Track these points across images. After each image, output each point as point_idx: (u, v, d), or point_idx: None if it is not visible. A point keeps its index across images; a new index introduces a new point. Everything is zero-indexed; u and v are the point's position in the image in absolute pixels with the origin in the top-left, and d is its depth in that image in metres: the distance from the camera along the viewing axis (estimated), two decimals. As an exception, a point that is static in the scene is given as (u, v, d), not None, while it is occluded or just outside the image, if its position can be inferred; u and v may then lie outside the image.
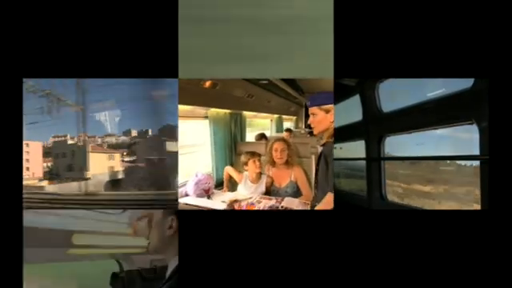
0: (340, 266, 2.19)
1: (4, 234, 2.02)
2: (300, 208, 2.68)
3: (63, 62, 2.10)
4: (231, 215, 2.15)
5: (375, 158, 2.58)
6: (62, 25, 2.09)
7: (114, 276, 2.31)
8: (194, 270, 2.08)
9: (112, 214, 2.37)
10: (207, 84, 2.96)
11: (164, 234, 1.61)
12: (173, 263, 1.59)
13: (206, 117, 3.69)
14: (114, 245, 2.31)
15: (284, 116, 6.87)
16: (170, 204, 2.22)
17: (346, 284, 2.24)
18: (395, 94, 2.42)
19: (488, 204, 2.00)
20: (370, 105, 2.59)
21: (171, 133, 2.52)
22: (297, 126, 7.50)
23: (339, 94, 2.29)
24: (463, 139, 2.11)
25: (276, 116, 6.45)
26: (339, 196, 2.26)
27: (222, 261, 2.11)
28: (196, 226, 2.09)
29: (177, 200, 2.11)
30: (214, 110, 3.73)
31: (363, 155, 2.67)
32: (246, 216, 2.13)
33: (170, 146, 2.58)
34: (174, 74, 2.14)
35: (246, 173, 3.25)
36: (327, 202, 2.14)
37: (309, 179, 3.04)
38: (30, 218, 1.99)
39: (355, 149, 2.69)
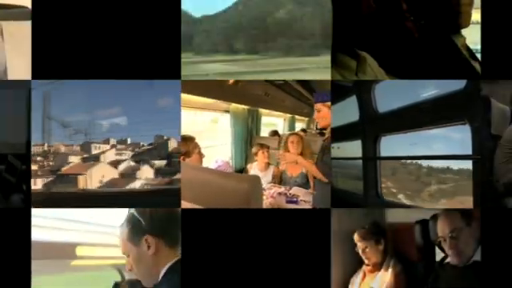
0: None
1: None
2: (306, 196, 3.00)
3: (68, 64, 2.14)
4: (232, 213, 2.19)
5: (371, 157, 2.64)
6: (67, 27, 2.13)
7: (116, 285, 2.35)
8: (196, 269, 2.13)
9: (113, 227, 2.45)
10: (231, 81, 3.16)
11: (147, 259, 1.50)
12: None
13: (227, 111, 4.11)
14: (115, 256, 2.37)
15: (297, 116, 7.11)
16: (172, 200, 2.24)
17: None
18: (391, 94, 2.47)
19: (480, 203, 2.04)
20: (366, 105, 2.65)
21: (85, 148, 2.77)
22: (308, 127, 7.65)
23: (336, 95, 2.38)
24: (456, 139, 2.17)
25: (289, 116, 6.69)
26: (337, 194, 2.34)
27: (224, 258, 2.16)
28: (198, 224, 2.13)
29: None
30: (234, 105, 4.13)
31: (360, 155, 2.73)
32: (246, 214, 2.17)
33: (72, 158, 2.78)
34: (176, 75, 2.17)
35: (255, 163, 3.62)
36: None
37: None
38: (37, 232, 2.07)
39: (351, 148, 2.73)
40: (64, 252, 2.15)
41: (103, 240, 2.32)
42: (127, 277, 2.45)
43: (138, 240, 1.51)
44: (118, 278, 2.44)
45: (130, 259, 1.54)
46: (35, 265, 2.03)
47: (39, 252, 2.04)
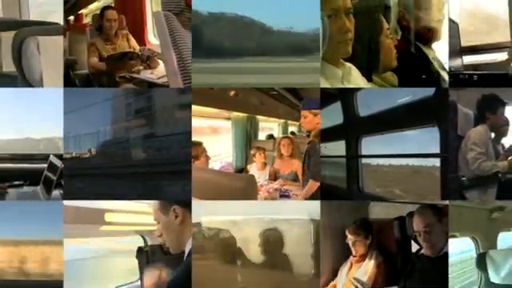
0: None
1: None
2: (298, 191, 3.19)
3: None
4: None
5: (354, 155, 2.84)
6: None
7: (140, 250, 2.52)
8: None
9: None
10: (232, 93, 3.51)
11: (175, 228, 1.59)
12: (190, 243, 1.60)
13: (228, 118, 4.56)
14: (139, 222, 2.50)
15: (289, 121, 7.58)
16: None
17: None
18: (371, 100, 2.65)
19: (447, 197, 2.21)
20: (349, 110, 2.83)
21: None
22: (299, 130, 8.01)
23: (324, 101, 2.56)
24: (426, 139, 2.35)
25: (283, 121, 7.19)
26: (325, 189, 2.53)
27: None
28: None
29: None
30: (235, 114, 4.64)
31: (344, 153, 2.94)
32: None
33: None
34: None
35: (254, 164, 3.92)
36: (310, 188, 2.65)
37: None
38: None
39: (336, 148, 2.92)
40: (94, 217, 2.26)
41: (130, 207, 2.42)
42: (150, 242, 2.59)
43: (167, 209, 1.60)
44: (142, 243, 2.59)
45: (160, 226, 1.64)
46: (67, 228, 2.19)
47: (70, 217, 2.18)
